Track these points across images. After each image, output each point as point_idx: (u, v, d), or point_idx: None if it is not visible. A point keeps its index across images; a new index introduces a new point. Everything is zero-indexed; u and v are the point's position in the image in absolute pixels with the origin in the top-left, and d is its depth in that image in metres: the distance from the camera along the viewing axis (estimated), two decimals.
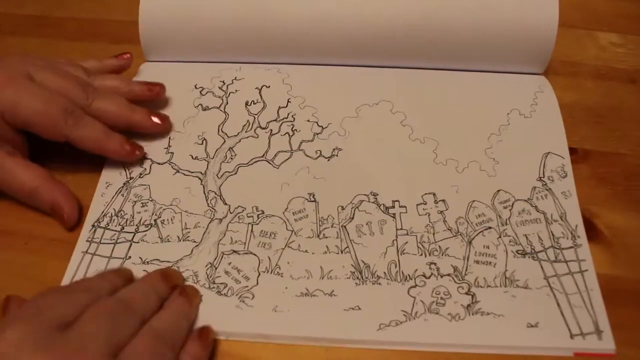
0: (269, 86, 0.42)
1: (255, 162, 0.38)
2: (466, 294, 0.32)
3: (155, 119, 0.38)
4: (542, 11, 0.40)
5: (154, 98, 0.39)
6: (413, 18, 0.41)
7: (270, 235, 0.34)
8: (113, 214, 0.35)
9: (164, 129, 0.38)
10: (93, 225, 0.35)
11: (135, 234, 0.34)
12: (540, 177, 0.37)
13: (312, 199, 0.36)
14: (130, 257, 0.33)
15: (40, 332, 0.23)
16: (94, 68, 0.39)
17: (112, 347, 0.25)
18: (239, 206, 0.36)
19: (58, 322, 0.24)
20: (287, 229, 0.35)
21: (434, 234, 0.34)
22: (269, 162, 0.38)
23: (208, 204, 0.36)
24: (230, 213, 0.35)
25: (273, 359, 0.30)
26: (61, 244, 0.34)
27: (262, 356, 0.30)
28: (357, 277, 0.33)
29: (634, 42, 0.47)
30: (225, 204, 0.36)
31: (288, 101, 0.41)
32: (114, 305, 0.27)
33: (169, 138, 0.39)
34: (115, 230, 0.35)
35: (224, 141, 0.39)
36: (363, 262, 0.33)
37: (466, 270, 0.33)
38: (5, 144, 0.34)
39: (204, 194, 0.36)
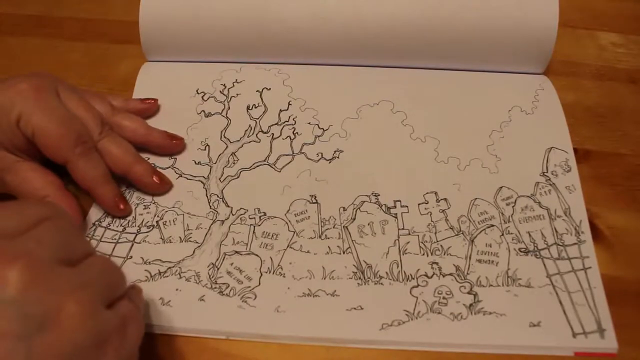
0: (270, 88, 0.42)
1: (258, 166, 0.38)
2: (468, 293, 0.32)
3: (155, 179, 0.36)
4: (542, 11, 0.40)
5: (173, 149, 0.38)
6: (413, 18, 0.41)
7: (272, 236, 0.34)
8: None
9: (161, 190, 0.36)
10: (94, 224, 0.35)
11: (137, 235, 0.34)
12: (544, 172, 0.37)
13: (314, 201, 0.36)
14: (131, 256, 0.33)
15: None
16: (118, 106, 0.38)
17: (64, 257, 0.24)
18: (240, 208, 0.36)
19: (7, 230, 0.23)
20: (289, 230, 0.34)
21: (435, 233, 0.34)
22: (270, 166, 0.38)
23: (210, 206, 0.36)
24: (232, 215, 0.35)
25: (274, 359, 0.30)
26: None
27: (263, 356, 0.30)
28: (359, 278, 0.33)
29: (635, 42, 0.47)
30: (228, 206, 0.36)
31: (289, 104, 0.41)
32: (70, 223, 0.26)
33: None
34: (117, 231, 0.35)
35: (227, 146, 0.39)
36: (365, 262, 0.33)
37: (468, 269, 0.33)
38: (20, 153, 0.33)
39: (207, 197, 0.36)
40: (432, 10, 0.41)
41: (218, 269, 0.33)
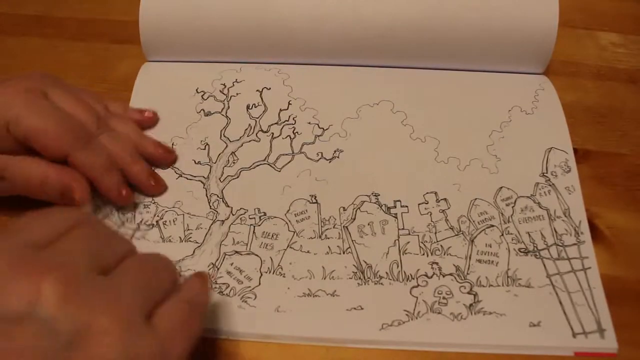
0: (270, 88, 0.42)
1: (257, 165, 0.38)
2: (468, 293, 0.32)
3: (151, 181, 0.36)
4: (542, 11, 0.40)
5: (163, 160, 0.38)
6: (413, 18, 0.41)
7: (272, 236, 0.34)
8: (114, 209, 0.35)
9: (155, 192, 0.36)
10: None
11: (135, 232, 0.34)
12: (544, 173, 0.37)
13: (314, 201, 0.36)
14: None
15: (15, 251, 0.22)
16: (115, 111, 0.38)
17: (97, 265, 0.23)
18: (241, 208, 0.36)
19: (36, 240, 0.22)
20: (289, 230, 0.35)
21: (435, 233, 0.34)
22: (270, 166, 0.38)
23: (210, 206, 0.36)
24: (232, 215, 0.35)
25: (274, 359, 0.30)
26: None
27: (263, 356, 0.30)
28: (359, 278, 0.33)
29: (635, 42, 0.47)
30: (228, 206, 0.36)
31: (289, 103, 0.41)
32: (101, 227, 0.25)
33: (172, 144, 0.39)
34: (115, 224, 0.34)
35: (227, 146, 0.39)
36: (365, 262, 0.33)
37: (468, 269, 0.33)
38: (11, 154, 0.33)
39: (207, 197, 0.36)
40: (432, 10, 0.41)
41: (218, 269, 0.33)
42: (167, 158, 0.38)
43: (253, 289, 0.32)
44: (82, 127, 0.34)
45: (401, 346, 0.30)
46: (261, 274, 0.33)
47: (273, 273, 0.33)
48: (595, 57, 0.46)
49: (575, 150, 0.38)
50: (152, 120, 0.40)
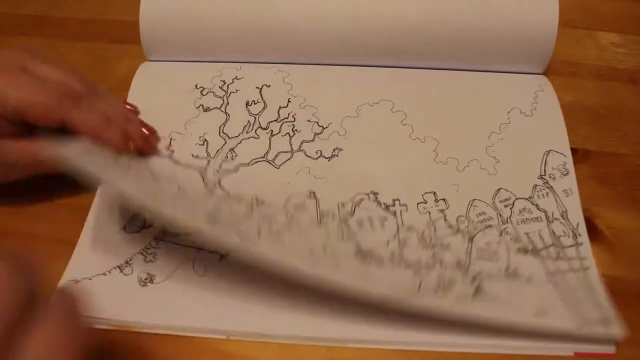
0: (270, 85, 0.42)
1: (256, 162, 0.38)
2: (469, 285, 0.32)
3: (147, 140, 0.37)
4: (542, 11, 0.40)
5: (149, 139, 0.37)
6: (413, 18, 0.41)
7: (270, 217, 0.34)
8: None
9: (154, 144, 0.37)
10: None
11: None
12: (542, 175, 0.37)
13: (313, 197, 0.36)
14: None
15: None
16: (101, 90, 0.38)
17: None
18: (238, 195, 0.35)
19: None
20: (286, 217, 0.34)
21: (435, 231, 0.34)
22: (269, 163, 0.38)
23: (207, 188, 0.36)
24: (229, 198, 0.35)
25: (274, 359, 0.30)
26: (61, 244, 0.34)
27: (263, 356, 0.30)
28: (359, 261, 0.32)
29: (635, 42, 0.47)
30: (224, 191, 0.36)
31: (288, 101, 0.41)
32: None
33: (170, 139, 0.38)
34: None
35: (225, 142, 0.39)
36: (365, 250, 0.33)
37: (468, 265, 0.33)
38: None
39: (203, 182, 0.36)
40: (432, 11, 0.41)
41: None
42: (152, 135, 0.38)
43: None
44: (72, 90, 0.33)
45: (402, 343, 0.30)
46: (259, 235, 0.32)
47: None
48: (595, 57, 0.46)
49: (576, 150, 0.38)
50: (132, 112, 0.39)
